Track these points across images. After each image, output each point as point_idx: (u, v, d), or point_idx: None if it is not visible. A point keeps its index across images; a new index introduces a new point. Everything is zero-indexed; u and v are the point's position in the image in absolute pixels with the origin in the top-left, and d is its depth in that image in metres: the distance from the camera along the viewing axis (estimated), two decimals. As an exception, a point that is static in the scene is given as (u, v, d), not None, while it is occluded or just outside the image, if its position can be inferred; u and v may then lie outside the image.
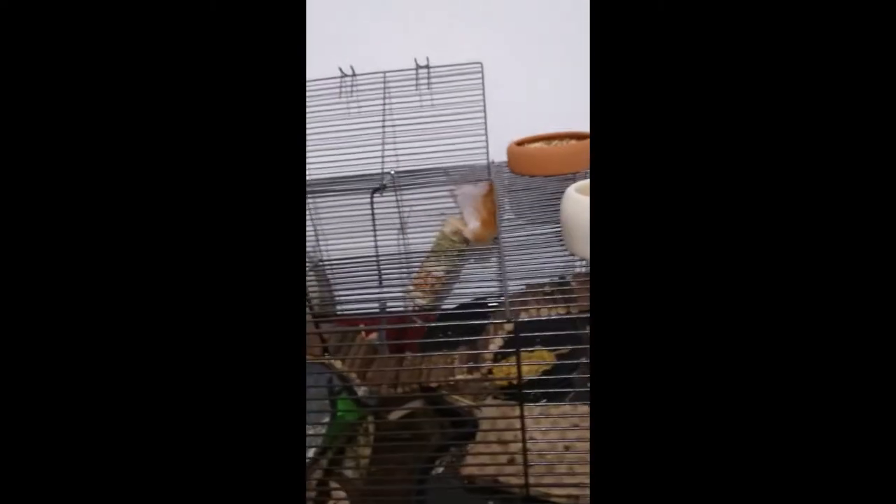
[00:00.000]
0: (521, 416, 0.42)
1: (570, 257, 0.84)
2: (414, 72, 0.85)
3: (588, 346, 0.78)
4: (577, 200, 0.48)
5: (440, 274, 0.89)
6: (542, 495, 0.52)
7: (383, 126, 0.86)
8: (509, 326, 0.68)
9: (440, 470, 0.62)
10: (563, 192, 0.78)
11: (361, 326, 0.82)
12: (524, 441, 0.43)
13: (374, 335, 0.86)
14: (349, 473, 0.66)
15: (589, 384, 0.73)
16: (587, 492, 0.54)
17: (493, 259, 0.90)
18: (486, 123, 0.85)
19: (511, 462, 0.59)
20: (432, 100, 0.86)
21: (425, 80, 0.86)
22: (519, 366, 0.41)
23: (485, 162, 0.85)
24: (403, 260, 0.86)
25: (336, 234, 0.84)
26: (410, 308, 0.90)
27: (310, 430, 0.63)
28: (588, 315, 0.82)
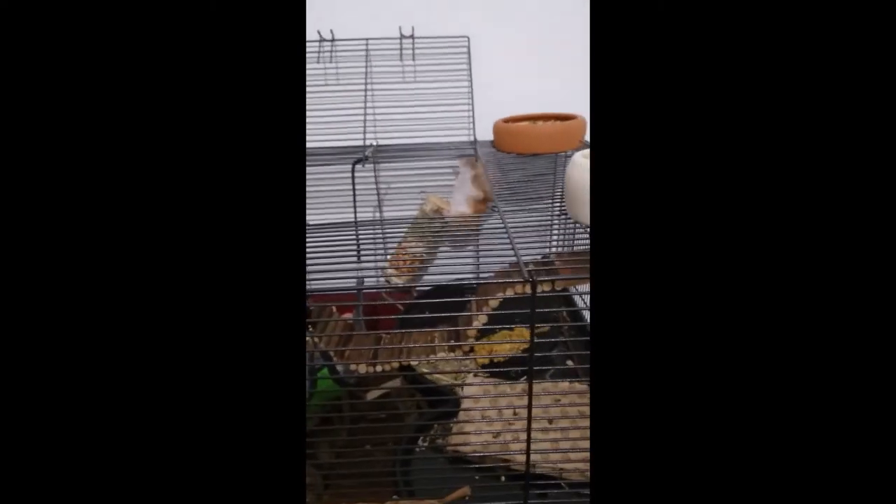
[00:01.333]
0: (529, 393, 0.42)
1: (562, 234, 0.84)
2: (398, 41, 0.82)
3: (565, 324, 0.79)
4: (585, 166, 0.47)
5: (418, 253, 0.87)
6: (527, 468, 0.52)
7: (364, 96, 0.82)
8: (494, 303, 0.68)
9: (424, 447, 0.61)
10: (552, 170, 0.78)
11: (333, 306, 0.79)
12: (529, 417, 0.42)
13: (349, 314, 0.83)
14: (324, 457, 0.64)
15: (568, 361, 0.74)
16: (570, 465, 0.54)
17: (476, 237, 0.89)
18: (471, 99, 0.83)
19: (497, 437, 0.58)
20: (416, 72, 0.84)
21: (409, 51, 0.83)
22: (532, 337, 0.40)
23: (469, 139, 0.84)
24: (380, 236, 0.84)
25: (313, 205, 0.79)
26: (386, 287, 0.87)
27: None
28: (566, 293, 0.83)
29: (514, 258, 0.48)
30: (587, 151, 0.51)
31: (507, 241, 0.47)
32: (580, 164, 0.48)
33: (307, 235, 0.62)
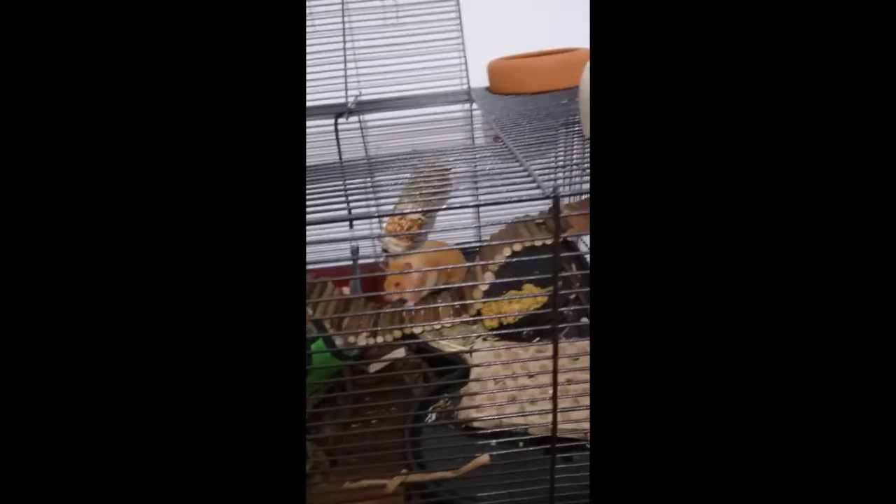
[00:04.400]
0: (555, 356, 0.36)
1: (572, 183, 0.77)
2: (377, -13, 0.75)
3: (578, 280, 0.73)
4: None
5: (416, 217, 0.81)
6: (549, 431, 0.47)
7: (343, 48, 0.76)
8: (501, 260, 0.62)
9: (433, 417, 0.56)
10: (560, 110, 0.71)
11: (330, 281, 0.73)
12: (555, 380, 0.37)
13: (346, 288, 0.78)
14: (328, 431, 0.59)
15: (584, 318, 0.69)
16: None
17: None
18: (462, 42, 0.76)
19: (513, 401, 0.53)
20: (397, 17, 0.76)
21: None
22: (556, 290, 0.34)
23: (462, 86, 0.77)
24: (372, 199, 0.77)
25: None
26: (384, 258, 0.81)
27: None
28: (576, 252, 0.77)
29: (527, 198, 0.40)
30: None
31: (524, 172, 0.40)
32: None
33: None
